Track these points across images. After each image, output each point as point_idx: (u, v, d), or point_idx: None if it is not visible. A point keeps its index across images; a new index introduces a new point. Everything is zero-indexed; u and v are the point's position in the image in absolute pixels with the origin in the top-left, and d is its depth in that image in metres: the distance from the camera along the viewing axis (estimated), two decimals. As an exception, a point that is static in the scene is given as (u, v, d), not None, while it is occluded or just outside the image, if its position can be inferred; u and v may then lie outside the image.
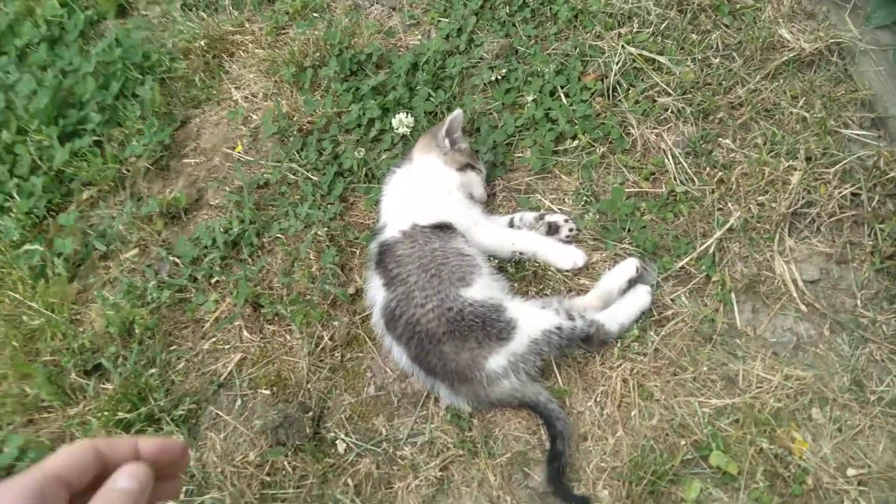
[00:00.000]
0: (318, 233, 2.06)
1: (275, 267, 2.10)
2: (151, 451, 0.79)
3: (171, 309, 2.09)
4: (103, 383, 1.96)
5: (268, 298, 2.01)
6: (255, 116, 2.47)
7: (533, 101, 2.25)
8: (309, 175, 2.23)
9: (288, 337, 1.98)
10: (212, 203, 2.31)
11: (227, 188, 2.28)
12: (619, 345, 1.80)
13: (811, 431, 1.66)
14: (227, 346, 2.00)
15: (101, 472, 0.76)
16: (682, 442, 1.65)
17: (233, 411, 1.90)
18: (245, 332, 2.00)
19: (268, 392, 1.90)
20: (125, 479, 0.79)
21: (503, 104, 2.33)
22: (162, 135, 2.38)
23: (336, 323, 1.96)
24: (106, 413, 1.82)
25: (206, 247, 2.15)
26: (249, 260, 2.12)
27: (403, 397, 1.84)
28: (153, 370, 1.92)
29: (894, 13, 2.29)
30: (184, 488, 1.79)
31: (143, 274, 2.16)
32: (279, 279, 2.04)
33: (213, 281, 2.11)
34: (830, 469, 1.60)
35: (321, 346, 1.93)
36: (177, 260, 2.17)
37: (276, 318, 2.01)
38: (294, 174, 2.25)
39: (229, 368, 1.96)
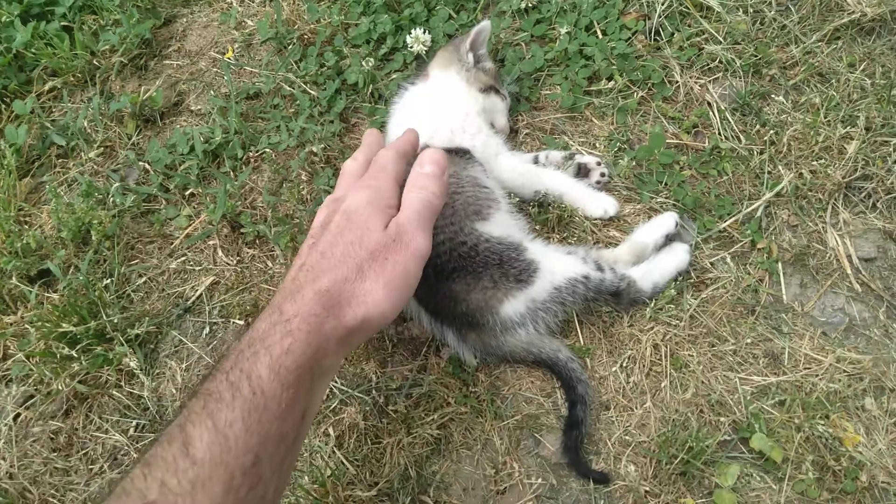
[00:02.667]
0: (315, 150, 1.79)
1: (260, 185, 1.82)
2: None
3: (137, 220, 1.80)
4: (49, 292, 1.67)
5: (249, 217, 1.73)
6: (250, 22, 2.18)
7: (566, 33, 2.00)
8: (307, 88, 1.95)
9: (269, 263, 1.71)
10: (193, 109, 2.01)
11: (212, 93, 1.99)
12: (651, 306, 1.57)
13: (864, 423, 1.45)
14: (198, 268, 1.72)
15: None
16: (721, 419, 1.43)
17: (198, 339, 1.62)
18: (220, 254, 1.72)
19: (241, 322, 1.62)
20: (429, 164, 1.19)
21: (532, 36, 2.07)
22: (141, 28, 2.07)
23: (327, 252, 1.69)
24: (48, 324, 1.53)
25: (182, 154, 1.86)
26: (231, 173, 1.84)
27: (400, 343, 1.59)
28: (108, 282, 1.63)
29: (965, -14, 2.10)
30: (134, 422, 1.52)
31: (108, 178, 1.86)
32: (264, 198, 1.76)
33: (187, 193, 1.82)
34: (888, 466, 1.39)
35: (307, 277, 1.66)
36: (147, 166, 1.87)
37: (257, 241, 1.73)
38: (290, 85, 1.96)
39: (198, 292, 1.68)
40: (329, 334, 0.98)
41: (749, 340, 1.55)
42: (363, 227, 1.07)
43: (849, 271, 1.67)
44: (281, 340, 0.93)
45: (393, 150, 1.24)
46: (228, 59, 2.08)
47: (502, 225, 1.56)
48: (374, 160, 1.22)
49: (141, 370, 1.53)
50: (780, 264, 1.67)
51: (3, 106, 2.00)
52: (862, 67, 1.98)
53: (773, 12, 2.07)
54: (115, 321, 1.55)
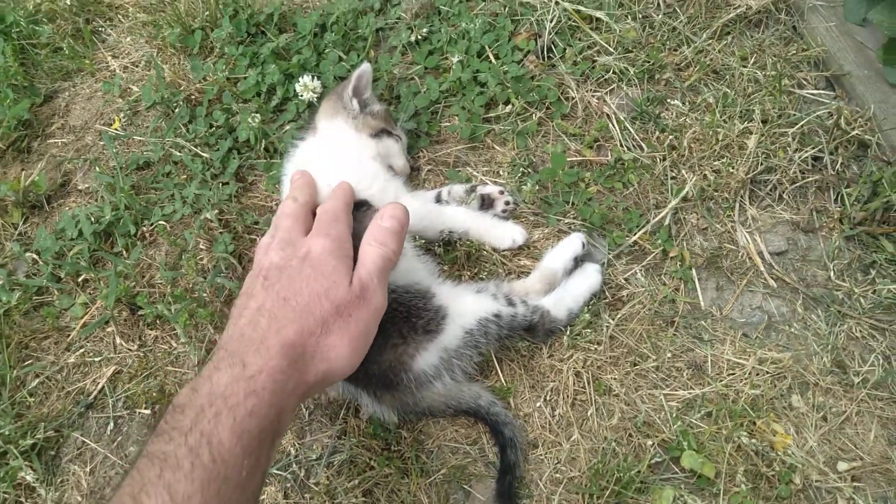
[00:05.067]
0: (209, 216, 1.71)
1: (157, 261, 1.74)
2: None
3: (28, 316, 1.70)
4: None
5: (146, 298, 1.64)
6: (135, 88, 2.09)
7: (459, 62, 1.97)
8: (198, 151, 1.88)
9: (173, 343, 1.62)
10: (80, 188, 1.92)
11: (99, 169, 1.90)
12: (568, 333, 1.53)
13: (793, 422, 1.44)
14: (97, 359, 1.62)
15: None
16: (649, 442, 1.40)
17: (103, 437, 1.53)
18: (119, 340, 1.63)
19: (147, 412, 1.54)
20: (389, 218, 1.18)
21: (425, 68, 2.03)
22: (18, 108, 1.98)
23: (232, 323, 1.61)
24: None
25: (71, 239, 1.77)
26: (124, 253, 1.75)
27: (316, 409, 1.52)
28: (-2, 390, 1.53)
29: (840, -32, 2.14)
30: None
31: (-6, 275, 1.76)
32: (161, 274, 1.68)
33: (80, 280, 1.73)
34: (819, 464, 1.37)
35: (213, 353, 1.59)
36: (35, 256, 1.77)
37: (157, 322, 1.65)
38: (180, 150, 1.89)
39: (100, 385, 1.59)
40: (291, 392, 0.94)
41: (670, 354, 1.52)
42: (330, 280, 1.06)
43: (762, 268, 1.66)
44: (245, 400, 0.88)
45: (342, 202, 1.27)
46: (115, 129, 2.00)
47: (409, 271, 1.50)
48: (325, 210, 1.23)
49: (40, 483, 1.42)
50: (693, 270, 1.66)
51: None
52: (753, 60, 2.00)
53: (660, 16, 2.07)
54: (7, 433, 1.44)
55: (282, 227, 1.19)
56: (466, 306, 1.46)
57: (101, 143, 1.99)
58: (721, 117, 1.85)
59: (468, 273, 1.65)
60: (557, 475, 1.39)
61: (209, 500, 0.79)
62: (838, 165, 1.77)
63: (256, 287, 1.07)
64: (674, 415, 1.44)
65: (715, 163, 1.79)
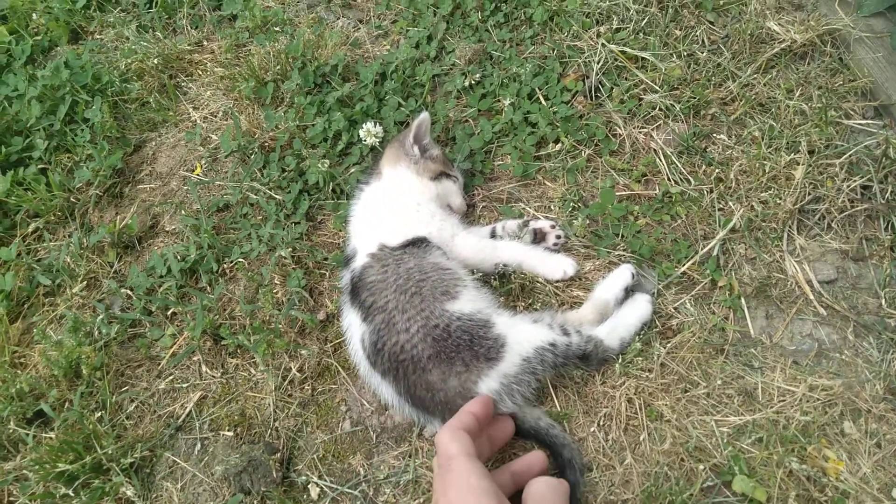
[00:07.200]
0: (283, 254, 1.87)
1: (237, 295, 1.90)
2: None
3: (124, 346, 1.88)
4: (46, 431, 1.74)
5: (228, 329, 1.80)
6: (214, 137, 2.29)
7: (510, 104, 2.10)
8: (272, 193, 2.05)
9: (252, 371, 1.77)
10: (168, 229, 2.11)
11: (184, 212, 2.09)
12: (620, 361, 1.61)
13: (846, 448, 1.47)
14: (185, 385, 1.78)
15: None
16: (700, 467, 1.45)
17: (191, 457, 1.67)
18: (204, 368, 1.79)
19: (231, 433, 1.68)
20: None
21: (479, 110, 2.17)
22: (113, 159, 2.19)
23: (305, 352, 1.75)
24: (46, 465, 1.60)
25: (160, 276, 1.95)
26: (208, 288, 1.92)
27: (383, 432, 1.63)
28: (101, 414, 1.70)
29: (886, 0, 2.18)
30: (136, 550, 1.56)
31: (94, 309, 1.94)
32: (241, 307, 1.84)
33: (169, 313, 1.90)
34: (874, 490, 1.40)
35: (289, 379, 1.72)
36: (129, 292, 1.96)
37: (238, 351, 1.80)
38: (256, 193, 2.06)
39: (188, 409, 1.74)
40: None
41: (720, 381, 1.58)
42: None
43: (811, 296, 1.70)
44: None
45: (451, 428, 1.34)
46: (198, 175, 2.19)
47: (471, 300, 1.61)
48: (437, 448, 1.33)
49: (138, 497, 1.57)
50: (742, 299, 1.71)
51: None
52: (799, 92, 2.05)
53: (705, 53, 2.15)
54: (110, 452, 1.61)
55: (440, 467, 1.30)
56: (524, 335, 1.55)
57: (185, 188, 2.18)
58: (767, 149, 1.91)
59: (522, 304, 1.75)
60: (612, 497, 1.46)
61: None
62: (888, 194, 1.80)
63: None
64: (725, 440, 1.49)
65: (762, 194, 1.84)
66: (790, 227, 1.81)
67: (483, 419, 1.40)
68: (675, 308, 1.70)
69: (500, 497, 1.19)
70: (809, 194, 1.83)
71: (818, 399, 1.52)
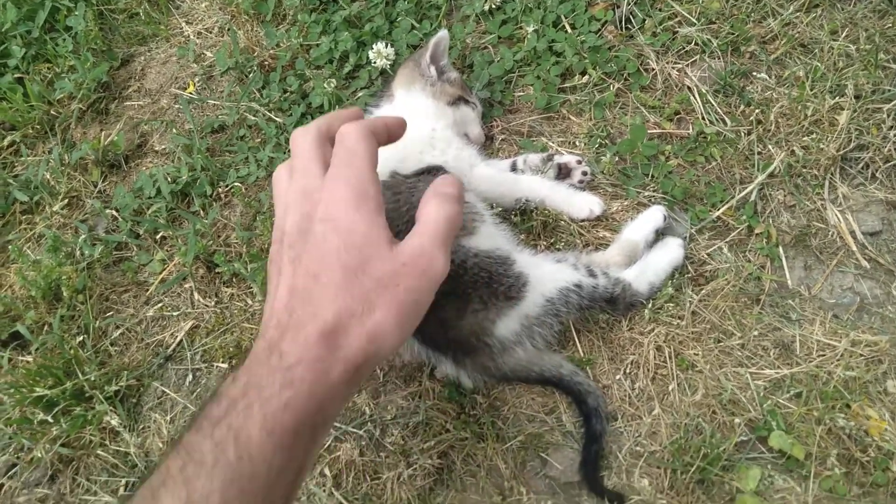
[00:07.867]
0: (285, 179, 1.71)
1: (232, 221, 1.75)
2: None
3: (108, 270, 1.73)
4: (23, 355, 1.60)
5: (223, 256, 1.65)
6: (209, 54, 2.11)
7: (534, 31, 1.93)
8: (272, 115, 1.88)
9: (249, 301, 1.63)
10: (157, 149, 1.94)
11: (175, 131, 1.92)
12: (650, 306, 1.49)
13: (889, 408, 1.37)
14: (175, 313, 1.65)
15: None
16: (736, 420, 1.35)
17: (182, 388, 1.55)
18: (197, 296, 1.65)
19: (225, 365, 1.55)
20: (449, 185, 0.98)
21: (499, 37, 2.00)
22: (97, 72, 2.00)
23: (306, 283, 1.61)
24: (22, 389, 1.46)
25: (149, 198, 1.79)
26: (201, 212, 1.76)
27: (391, 371, 1.51)
28: (82, 338, 1.56)
29: (940, -61, 2.03)
30: (123, 481, 1.44)
31: (76, 230, 1.79)
32: (237, 234, 1.69)
33: (158, 237, 1.75)
34: (918, 452, 1.31)
35: (288, 312, 1.59)
36: (115, 213, 1.80)
37: (234, 280, 1.66)
38: (254, 115, 1.90)
39: (178, 338, 1.61)
40: (335, 380, 0.82)
41: (756, 332, 1.47)
42: (364, 252, 0.86)
43: (854, 248, 1.59)
44: (280, 392, 0.78)
45: (360, 129, 0.93)
46: (190, 93, 2.02)
47: (490, 236, 1.48)
48: (339, 139, 0.93)
49: (124, 427, 1.45)
50: (780, 248, 1.59)
51: (-38, 167, 1.94)
52: (845, 34, 1.91)
53: (745, -13, 2.00)
54: (93, 379, 1.48)
55: (297, 168, 0.92)
56: (547, 275, 1.43)
57: (177, 106, 2.01)
58: (811, 92, 1.78)
59: (544, 243, 1.62)
60: (638, 448, 1.36)
61: (229, 500, 0.73)
62: (937, 144, 1.68)
63: (283, 259, 0.89)
64: (761, 394, 1.39)
65: (804, 138, 1.72)
66: (832, 174, 1.69)
67: (391, 140, 1.03)
68: (708, 254, 1.58)
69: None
70: (854, 141, 1.71)
71: (861, 355, 1.42)
